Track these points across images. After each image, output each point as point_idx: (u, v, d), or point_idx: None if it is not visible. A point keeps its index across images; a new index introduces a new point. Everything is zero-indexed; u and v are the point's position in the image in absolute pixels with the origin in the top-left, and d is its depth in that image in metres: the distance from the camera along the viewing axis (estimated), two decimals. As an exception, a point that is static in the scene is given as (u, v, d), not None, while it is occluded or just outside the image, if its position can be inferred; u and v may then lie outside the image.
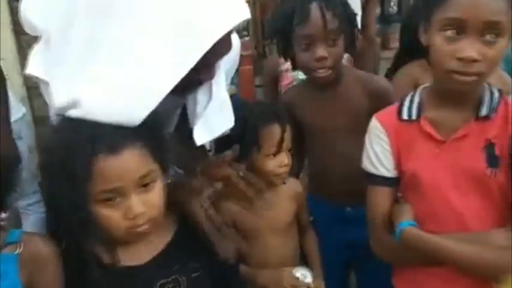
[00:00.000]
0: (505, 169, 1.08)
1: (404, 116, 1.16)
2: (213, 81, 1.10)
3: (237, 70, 2.95)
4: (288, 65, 2.02)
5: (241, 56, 2.93)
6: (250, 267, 1.38)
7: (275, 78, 2.15)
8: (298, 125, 1.58)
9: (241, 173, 1.19)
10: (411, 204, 1.16)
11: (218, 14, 0.92)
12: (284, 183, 1.44)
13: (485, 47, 1.00)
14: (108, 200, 0.92)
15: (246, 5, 1.00)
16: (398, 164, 1.18)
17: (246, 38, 3.03)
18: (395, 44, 2.94)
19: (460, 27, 1.00)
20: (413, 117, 1.15)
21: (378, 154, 1.20)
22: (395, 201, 1.20)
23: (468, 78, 1.02)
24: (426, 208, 1.14)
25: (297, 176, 1.66)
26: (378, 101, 1.46)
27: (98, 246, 0.98)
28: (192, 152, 1.20)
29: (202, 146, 1.27)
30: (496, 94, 1.12)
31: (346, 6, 1.46)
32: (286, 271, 1.36)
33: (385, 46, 2.87)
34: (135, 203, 0.93)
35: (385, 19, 2.97)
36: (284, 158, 1.34)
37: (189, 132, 1.13)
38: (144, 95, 0.91)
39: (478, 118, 1.09)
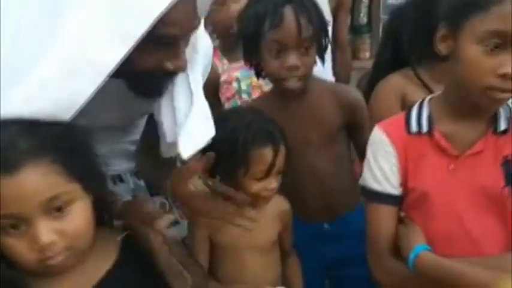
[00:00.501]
0: None
1: (414, 129, 1.08)
2: (191, 82, 1.02)
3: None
4: (226, 76, 1.96)
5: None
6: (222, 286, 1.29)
7: (215, 90, 1.99)
8: None
9: (216, 186, 1.07)
10: (418, 225, 1.09)
11: None
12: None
13: None
14: (11, 227, 0.79)
15: None
16: (404, 181, 1.10)
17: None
18: (365, 54, 3.02)
19: (502, 40, 0.92)
20: (424, 130, 1.07)
21: (384, 169, 1.10)
22: (399, 221, 1.12)
23: (506, 95, 0.96)
24: (437, 229, 1.07)
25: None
26: (351, 114, 1.42)
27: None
28: (159, 163, 1.11)
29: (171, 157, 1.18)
30: (509, 107, 1.07)
31: (320, 13, 1.39)
32: None
33: (355, 56, 2.87)
34: (41, 231, 0.79)
35: (355, 29, 2.99)
36: (272, 183, 1.23)
37: (157, 142, 1.05)
38: (86, 70, 0.81)
39: (494, 132, 1.03)
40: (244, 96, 1.91)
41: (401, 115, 1.12)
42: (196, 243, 1.29)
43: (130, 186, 1.36)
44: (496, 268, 0.98)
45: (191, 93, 1.01)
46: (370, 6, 3.05)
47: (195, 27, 0.97)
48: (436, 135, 1.06)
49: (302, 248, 1.45)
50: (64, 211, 0.82)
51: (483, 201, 1.04)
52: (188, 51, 1.00)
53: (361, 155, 1.42)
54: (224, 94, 1.98)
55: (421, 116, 1.08)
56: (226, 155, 1.17)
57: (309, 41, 1.32)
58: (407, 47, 1.41)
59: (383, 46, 1.64)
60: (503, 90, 0.95)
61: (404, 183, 1.10)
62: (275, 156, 1.19)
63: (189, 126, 1.00)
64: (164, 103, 1.03)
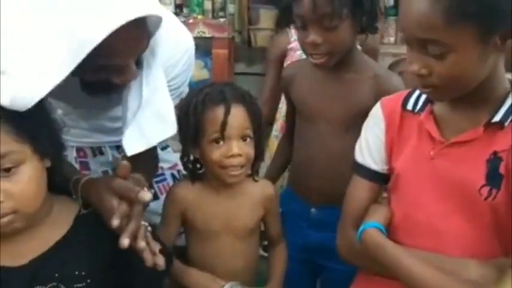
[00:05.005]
0: (507, 191, 0.95)
1: (409, 106, 1.08)
2: (144, 84, 1.10)
3: (211, 53, 2.87)
4: (295, 43, 2.10)
5: (215, 38, 2.86)
6: (187, 266, 1.32)
7: (281, 58, 2.19)
8: (292, 104, 1.56)
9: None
10: (391, 209, 1.10)
11: (109, 8, 0.90)
12: (256, 180, 1.36)
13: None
14: None
15: (153, 1, 1.00)
16: (389, 159, 1.11)
17: (222, 20, 2.87)
18: (389, 39, 2.95)
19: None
20: (418, 109, 1.06)
21: (369, 142, 1.14)
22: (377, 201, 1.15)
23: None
24: (402, 216, 1.08)
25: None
26: None
27: None
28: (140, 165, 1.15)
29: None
30: None
31: None
32: (216, 284, 1.29)
33: (380, 40, 2.75)
34: None
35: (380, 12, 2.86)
36: (232, 147, 1.23)
37: None
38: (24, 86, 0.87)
39: (489, 124, 0.97)
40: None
41: (405, 92, 1.13)
42: (167, 218, 1.33)
43: (108, 159, 1.45)
44: (450, 272, 0.96)
45: (141, 93, 1.10)
46: (398, -13, 2.93)
47: (140, 51, 1.05)
48: (424, 115, 1.04)
49: (289, 222, 1.48)
50: (12, 172, 0.87)
51: (456, 198, 0.99)
52: (146, 55, 1.09)
53: None
54: (287, 61, 2.15)
55: (422, 94, 1.07)
56: (185, 124, 1.23)
57: (329, 17, 1.31)
58: None
59: None
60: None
61: (389, 162, 1.11)
62: (226, 113, 1.21)
63: (138, 124, 1.09)
64: (123, 102, 1.14)
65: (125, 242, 0.93)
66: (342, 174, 1.42)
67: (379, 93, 1.37)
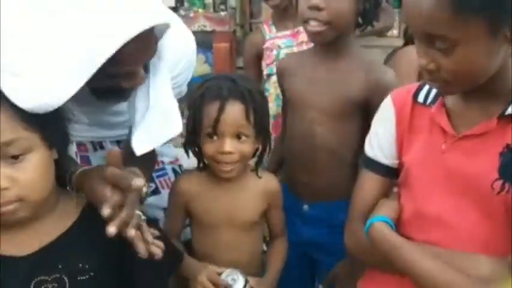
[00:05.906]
0: None
1: (420, 99, 1.07)
2: (151, 87, 1.13)
3: (212, 47, 2.88)
4: (270, 43, 2.16)
5: (217, 32, 2.88)
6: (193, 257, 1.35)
7: (257, 56, 2.21)
8: (285, 95, 1.56)
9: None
10: (401, 204, 1.08)
11: (120, 19, 0.91)
12: (260, 177, 1.37)
13: None
14: None
15: (160, 9, 1.04)
16: (400, 153, 1.10)
17: (223, 13, 2.87)
18: (392, 31, 2.91)
19: None
20: (429, 101, 1.05)
21: (379, 135, 1.13)
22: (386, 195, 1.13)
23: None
24: (413, 210, 1.06)
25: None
26: (375, 94, 1.38)
27: None
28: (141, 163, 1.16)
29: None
30: None
31: None
32: (207, 270, 1.31)
33: (382, 34, 2.71)
34: None
35: (382, 3, 2.83)
36: (224, 145, 1.24)
37: None
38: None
39: (502, 116, 0.94)
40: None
41: (416, 84, 1.11)
42: (171, 210, 1.37)
43: None
44: (460, 267, 0.94)
45: (149, 97, 1.12)
46: (401, -22, 2.89)
47: (149, 57, 1.07)
48: (436, 108, 1.02)
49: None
50: (20, 159, 0.88)
51: (468, 192, 0.97)
52: (152, 59, 1.10)
53: None
54: (265, 60, 2.18)
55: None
56: (188, 117, 1.25)
57: None
58: None
59: None
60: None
61: (399, 156, 1.10)
62: (220, 110, 1.21)
63: (147, 125, 1.11)
64: (130, 104, 1.16)
65: (111, 229, 0.89)
66: (330, 168, 1.46)
67: (371, 86, 1.39)
